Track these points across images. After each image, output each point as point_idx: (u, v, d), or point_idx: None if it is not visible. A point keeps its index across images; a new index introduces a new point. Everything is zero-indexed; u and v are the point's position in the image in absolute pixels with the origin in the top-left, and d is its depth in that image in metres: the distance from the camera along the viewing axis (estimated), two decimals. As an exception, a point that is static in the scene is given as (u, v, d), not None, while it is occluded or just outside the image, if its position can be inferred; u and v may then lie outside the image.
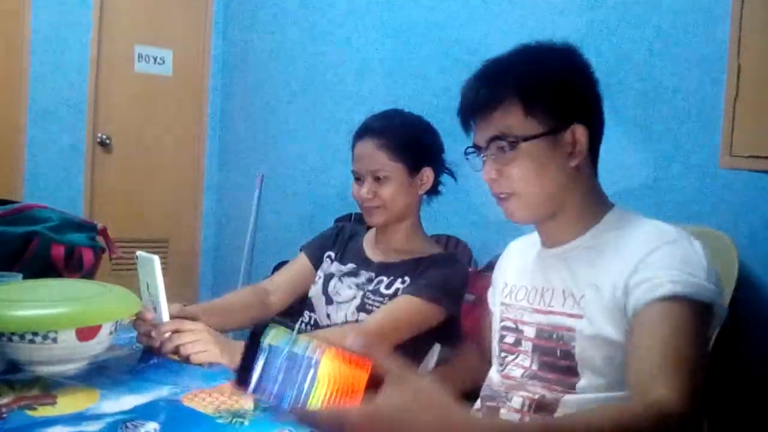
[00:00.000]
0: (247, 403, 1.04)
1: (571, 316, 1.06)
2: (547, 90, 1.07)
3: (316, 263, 1.69)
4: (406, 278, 1.52)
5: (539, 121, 1.06)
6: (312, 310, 1.64)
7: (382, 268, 1.58)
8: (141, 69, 4.31)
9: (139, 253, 1.31)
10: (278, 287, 1.68)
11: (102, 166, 4.21)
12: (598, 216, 1.11)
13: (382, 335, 1.39)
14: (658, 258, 0.98)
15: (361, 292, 1.56)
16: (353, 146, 1.60)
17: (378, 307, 1.49)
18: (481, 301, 1.42)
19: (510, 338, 1.18)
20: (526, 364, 1.12)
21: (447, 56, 2.75)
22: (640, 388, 0.88)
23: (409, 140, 1.56)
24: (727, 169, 1.52)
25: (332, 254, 1.68)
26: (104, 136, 4.19)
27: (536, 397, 1.08)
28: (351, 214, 2.67)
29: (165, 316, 1.26)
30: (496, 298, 1.28)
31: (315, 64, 3.65)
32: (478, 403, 1.21)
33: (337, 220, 2.26)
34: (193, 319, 1.30)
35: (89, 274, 1.71)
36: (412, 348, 1.54)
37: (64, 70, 3.99)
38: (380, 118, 1.59)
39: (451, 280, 1.50)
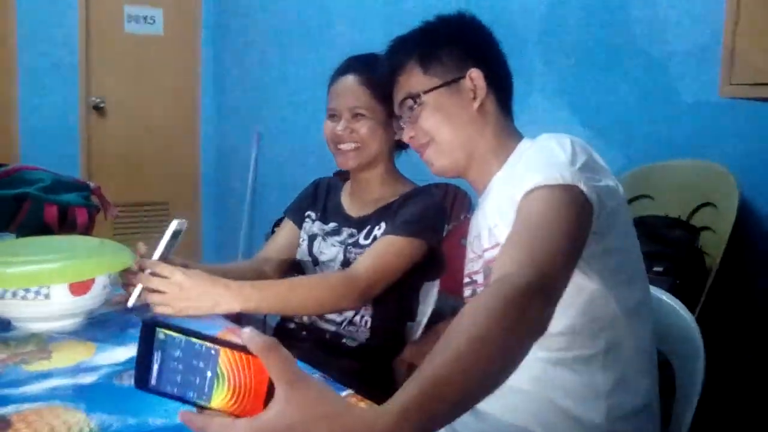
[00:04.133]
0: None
1: (492, 248, 1.12)
2: (438, 46, 1.18)
3: (299, 223, 1.68)
4: (382, 224, 1.51)
5: (437, 75, 1.17)
6: (301, 272, 1.62)
7: (361, 222, 1.56)
8: (131, 29, 4.23)
9: (176, 219, 1.28)
10: (268, 257, 1.66)
11: (97, 130, 4.17)
12: (509, 151, 1.18)
13: (370, 279, 1.38)
14: (525, 163, 1.06)
15: (342, 248, 1.54)
16: (331, 83, 1.57)
17: None
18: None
19: (467, 292, 1.23)
20: None
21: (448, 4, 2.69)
22: (496, 268, 0.88)
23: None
24: (728, 99, 1.49)
25: (312, 214, 1.66)
26: (98, 99, 4.14)
27: None
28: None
29: (156, 256, 1.24)
30: None
31: (309, 16, 3.58)
32: None
33: (335, 174, 2.23)
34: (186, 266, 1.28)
35: (84, 234, 1.70)
36: (404, 291, 1.53)
37: (53, 34, 3.93)
38: (363, 57, 1.55)
39: (427, 212, 1.49)
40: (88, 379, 0.93)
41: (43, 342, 1.06)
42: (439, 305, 1.66)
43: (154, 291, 1.19)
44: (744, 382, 1.71)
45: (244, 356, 0.62)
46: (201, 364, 0.63)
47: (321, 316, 1.54)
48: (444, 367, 0.67)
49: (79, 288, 1.10)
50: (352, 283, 1.37)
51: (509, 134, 1.21)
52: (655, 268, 1.68)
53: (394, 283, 1.44)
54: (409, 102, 1.19)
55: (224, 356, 0.62)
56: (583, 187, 0.94)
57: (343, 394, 0.91)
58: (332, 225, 1.61)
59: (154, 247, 1.26)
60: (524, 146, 1.17)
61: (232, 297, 1.23)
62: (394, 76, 1.24)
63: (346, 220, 1.60)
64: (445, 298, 1.69)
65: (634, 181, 1.94)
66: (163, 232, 1.25)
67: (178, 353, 0.63)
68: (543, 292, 0.79)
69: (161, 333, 0.63)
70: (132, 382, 0.66)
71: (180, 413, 0.64)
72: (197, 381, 0.63)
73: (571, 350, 1.04)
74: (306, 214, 1.67)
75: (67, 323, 1.13)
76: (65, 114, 4.02)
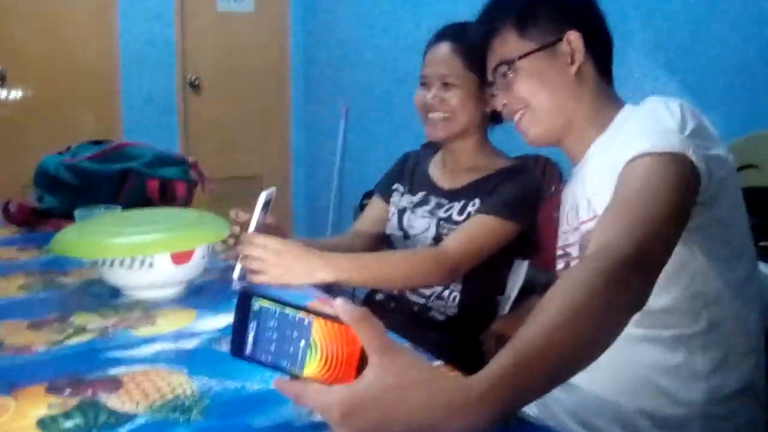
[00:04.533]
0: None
1: (591, 219, 1.08)
2: (536, 7, 1.13)
3: (387, 198, 1.67)
4: (476, 200, 1.49)
5: (533, 39, 1.12)
6: (392, 246, 1.63)
7: (452, 194, 1.54)
8: (223, 7, 4.34)
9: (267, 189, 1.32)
10: (360, 233, 1.66)
11: (193, 107, 4.32)
12: (609, 118, 1.12)
13: (461, 257, 1.37)
14: (631, 131, 0.99)
15: (434, 220, 1.53)
16: (426, 51, 1.54)
17: None
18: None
19: (560, 264, 1.19)
20: None
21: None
22: (593, 239, 0.85)
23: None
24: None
25: (400, 187, 1.65)
26: (193, 78, 4.29)
27: None
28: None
29: (251, 228, 1.27)
30: None
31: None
32: None
33: (424, 145, 2.22)
34: (284, 235, 1.31)
35: (183, 206, 1.78)
36: (494, 268, 1.51)
37: (150, 16, 4.08)
38: (459, 25, 1.52)
39: (524, 194, 1.46)
40: (189, 344, 0.97)
41: (148, 309, 1.12)
42: (529, 279, 1.64)
43: (251, 259, 1.23)
44: None
45: (336, 326, 0.64)
46: (295, 334, 0.65)
47: (410, 290, 1.55)
48: (536, 340, 0.66)
49: (180, 258, 1.15)
50: (441, 259, 1.36)
51: (609, 100, 1.15)
52: (762, 243, 1.59)
53: (484, 261, 1.42)
54: (503, 68, 1.14)
55: (317, 326, 0.64)
56: (691, 155, 0.90)
57: (434, 364, 0.91)
58: (420, 195, 1.60)
59: (248, 217, 1.29)
60: (627, 112, 1.11)
61: (325, 266, 1.25)
62: (487, 41, 1.18)
63: (434, 190, 1.59)
64: (535, 273, 1.66)
65: (737, 150, 1.83)
66: (254, 204, 1.28)
67: (272, 323, 0.65)
68: (642, 265, 0.76)
69: (257, 303, 0.66)
70: (229, 348, 0.69)
71: (275, 381, 0.67)
72: (291, 350, 0.65)
73: (671, 329, 1.00)
74: (394, 187, 1.67)
75: (170, 291, 1.19)
76: (163, 91, 4.18)
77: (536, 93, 1.12)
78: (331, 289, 1.35)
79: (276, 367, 0.66)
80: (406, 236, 1.59)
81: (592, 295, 0.71)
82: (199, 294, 1.21)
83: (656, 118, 0.97)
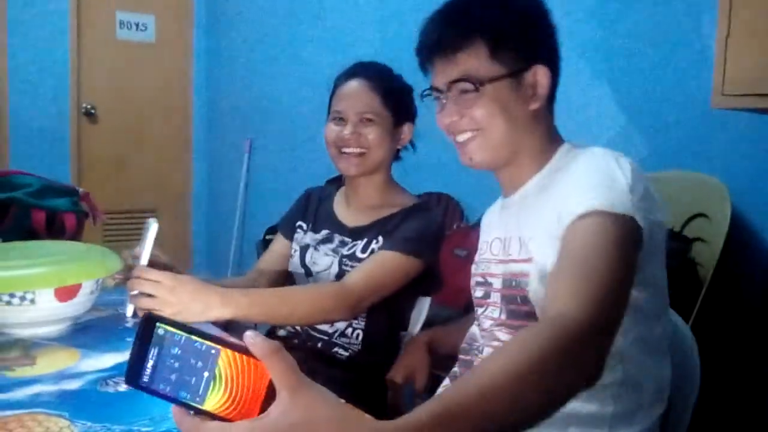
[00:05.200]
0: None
1: (524, 261, 1.05)
2: (513, 31, 1.05)
3: (290, 236, 1.65)
4: (380, 238, 1.49)
5: (503, 63, 1.05)
6: (295, 284, 1.60)
7: (356, 232, 1.54)
8: (123, 36, 4.22)
9: (149, 219, 1.27)
10: (263, 271, 1.63)
11: (87, 136, 4.15)
12: (550, 155, 1.10)
13: (363, 293, 1.36)
14: (578, 180, 0.97)
15: (337, 258, 1.52)
16: (337, 86, 1.54)
17: None
18: (473, 256, 1.40)
19: (479, 292, 1.18)
20: (496, 315, 1.11)
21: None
22: (546, 304, 0.84)
23: (398, 90, 1.52)
24: (720, 109, 1.49)
25: (303, 224, 1.64)
26: (89, 106, 4.12)
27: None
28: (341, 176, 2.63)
29: (143, 262, 1.21)
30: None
31: (303, 23, 3.57)
32: (456, 368, 1.21)
33: (327, 182, 2.22)
34: (178, 272, 1.26)
35: (73, 240, 1.68)
36: (397, 304, 1.52)
37: (44, 39, 3.91)
38: (370, 64, 1.54)
39: (426, 230, 1.47)
40: (72, 385, 0.90)
41: (28, 348, 1.04)
42: (431, 315, 1.65)
43: (144, 296, 1.17)
44: (738, 392, 1.70)
45: (245, 359, 0.60)
46: (199, 364, 0.60)
47: (312, 327, 1.52)
48: (469, 396, 0.64)
49: (65, 293, 1.08)
50: (343, 295, 1.34)
51: (553, 136, 1.12)
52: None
53: (387, 298, 1.42)
54: (466, 84, 1.05)
55: (224, 357, 0.60)
56: (640, 220, 0.90)
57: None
58: (324, 233, 1.59)
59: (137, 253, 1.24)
60: (566, 151, 1.09)
61: (222, 303, 1.21)
62: (450, 45, 1.07)
63: (338, 227, 1.58)
64: (437, 309, 1.67)
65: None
66: (142, 236, 1.23)
67: (176, 350, 0.60)
68: (597, 336, 0.75)
69: (161, 328, 0.60)
70: (117, 388, 0.64)
71: (174, 408, 0.61)
72: (193, 381, 0.60)
73: None
74: (297, 224, 1.65)
75: (53, 329, 1.11)
76: (56, 119, 4.00)
77: (494, 120, 1.06)
78: (229, 326, 1.30)
79: (174, 399, 0.60)
80: (309, 273, 1.56)
81: (541, 362, 0.68)
82: (85, 332, 1.14)
83: (607, 174, 0.95)
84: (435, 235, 1.49)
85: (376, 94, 1.48)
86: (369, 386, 1.49)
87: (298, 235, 1.63)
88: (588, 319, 0.75)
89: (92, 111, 4.13)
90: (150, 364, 0.60)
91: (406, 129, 1.53)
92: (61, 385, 0.90)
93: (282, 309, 1.31)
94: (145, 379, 0.60)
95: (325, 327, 1.51)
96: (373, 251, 1.48)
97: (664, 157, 1.98)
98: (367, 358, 1.51)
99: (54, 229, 1.66)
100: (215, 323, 1.21)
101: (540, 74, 1.05)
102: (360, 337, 1.50)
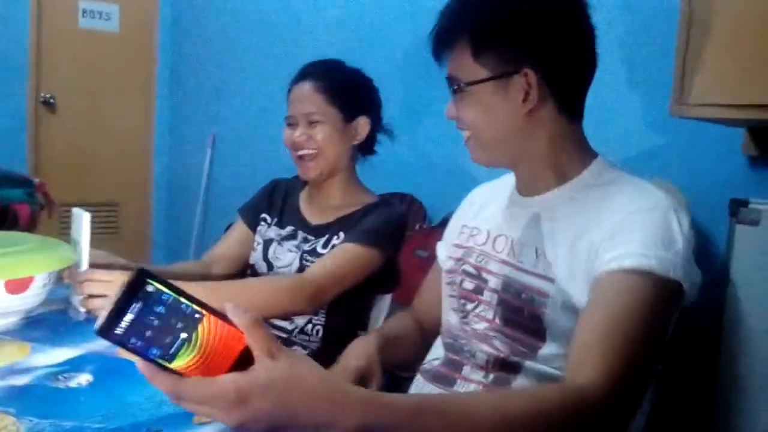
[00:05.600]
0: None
1: (542, 278, 0.99)
2: (498, 35, 1.00)
3: (253, 226, 1.65)
4: (341, 233, 1.50)
5: (486, 65, 1.01)
6: (255, 275, 1.59)
7: (318, 230, 1.55)
8: (86, 25, 4.13)
9: (74, 209, 1.25)
10: (218, 257, 1.62)
11: (47, 127, 4.05)
12: (577, 167, 1.04)
13: (322, 284, 1.36)
14: (633, 224, 0.92)
15: (299, 254, 1.52)
16: (289, 91, 1.56)
17: None
18: (435, 258, 1.40)
19: (469, 284, 1.11)
20: (489, 316, 1.07)
21: (411, 15, 2.69)
22: (571, 364, 0.84)
23: (345, 86, 1.53)
24: (677, 118, 1.52)
25: (267, 217, 1.63)
26: (48, 96, 4.02)
27: (501, 355, 1.03)
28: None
29: (84, 266, 1.19)
30: (447, 245, 1.24)
31: (269, 18, 3.55)
32: (440, 351, 1.16)
33: (295, 176, 2.20)
34: (125, 268, 1.24)
35: (26, 232, 1.64)
36: (357, 300, 1.52)
37: (3, 27, 3.81)
38: (319, 63, 1.56)
39: (387, 224, 1.48)
40: (20, 381, 0.88)
41: (-25, 341, 1.01)
42: (391, 314, 1.65)
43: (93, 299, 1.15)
44: (686, 400, 1.74)
45: (225, 326, 0.62)
46: (179, 324, 0.61)
47: (271, 322, 1.51)
48: (450, 409, 0.67)
49: (16, 286, 1.05)
50: (302, 286, 1.34)
51: (579, 147, 1.06)
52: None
53: (347, 294, 1.42)
54: (453, 84, 1.04)
55: (205, 322, 0.62)
56: (686, 288, 0.88)
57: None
58: (289, 229, 1.58)
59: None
60: (601, 168, 1.04)
61: None
62: (441, 44, 1.05)
63: (303, 225, 1.57)
64: (397, 308, 1.68)
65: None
66: (74, 230, 1.20)
67: (159, 308, 0.60)
68: (622, 418, 0.76)
69: (151, 285, 0.60)
70: (68, 384, 0.62)
71: (142, 364, 0.61)
72: (168, 340, 0.60)
73: None
74: (261, 216, 1.64)
75: (3, 322, 1.08)
76: (13, 109, 3.89)
77: (480, 123, 1.03)
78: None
79: (142, 355, 0.60)
80: (270, 268, 1.56)
81: (548, 422, 0.70)
82: (36, 326, 1.11)
83: (666, 232, 0.91)
84: (395, 228, 1.50)
85: (320, 94, 1.50)
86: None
87: (262, 228, 1.62)
88: (607, 401, 0.75)
89: (51, 101, 4.03)
90: (128, 317, 0.59)
91: (362, 122, 1.54)
92: (8, 380, 0.88)
93: (239, 300, 1.29)
94: (118, 331, 0.59)
95: (284, 323, 1.50)
96: (333, 246, 1.48)
97: (623, 164, 2.02)
98: (326, 355, 1.50)
99: (7, 221, 1.62)
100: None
101: (530, 77, 0.99)
102: (320, 334, 1.50)
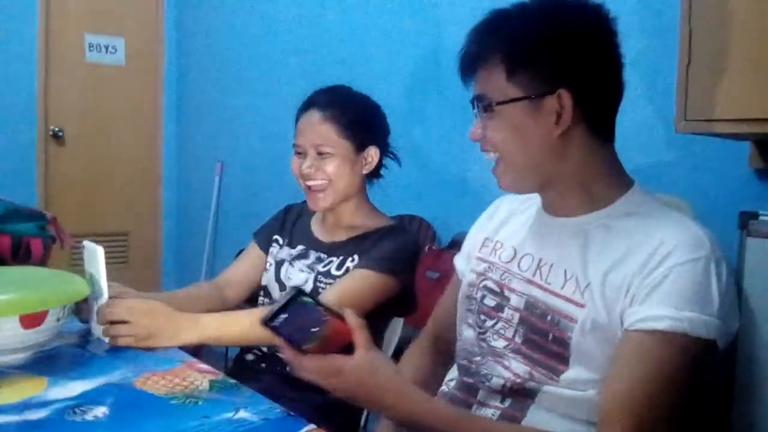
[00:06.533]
0: (201, 383, 1.01)
1: (572, 302, 0.98)
2: (535, 55, 0.98)
3: (266, 248, 1.65)
4: (355, 256, 1.49)
5: (519, 85, 0.98)
6: (268, 296, 1.60)
7: (332, 248, 1.54)
8: (92, 59, 4.18)
9: (85, 242, 1.26)
10: (232, 280, 1.62)
11: (56, 160, 4.09)
12: (611, 192, 1.02)
13: None
14: (673, 282, 0.90)
15: (312, 274, 1.52)
16: (297, 118, 1.54)
17: None
18: (446, 279, 1.40)
19: (491, 301, 1.10)
20: (509, 335, 1.06)
21: (416, 34, 2.72)
22: (601, 414, 0.91)
23: (356, 117, 1.51)
24: (683, 134, 1.52)
25: (279, 239, 1.63)
26: (57, 129, 4.06)
27: (517, 380, 1.02)
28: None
29: (104, 297, 1.21)
30: (468, 257, 1.21)
31: (273, 49, 3.58)
32: (454, 371, 1.16)
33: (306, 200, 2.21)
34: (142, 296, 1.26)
35: (39, 265, 1.65)
36: (371, 325, 1.51)
37: (11, 61, 3.86)
38: (327, 91, 1.54)
39: (402, 250, 1.47)
40: (37, 415, 0.88)
41: (-9, 377, 1.02)
42: (404, 337, 1.64)
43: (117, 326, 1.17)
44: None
45: (342, 325, 0.95)
46: (314, 323, 0.92)
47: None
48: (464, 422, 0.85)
49: (30, 320, 1.06)
50: None
51: (614, 173, 1.04)
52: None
53: (361, 318, 1.42)
54: (483, 103, 1.01)
55: (330, 323, 0.94)
56: (721, 345, 0.91)
57: (305, 429, 0.89)
58: (300, 248, 1.59)
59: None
60: (641, 196, 1.03)
61: (190, 328, 1.20)
62: (472, 62, 1.03)
63: (315, 244, 1.57)
64: (410, 331, 1.67)
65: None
66: (88, 263, 1.23)
67: (304, 312, 0.92)
68: None
69: (303, 297, 0.93)
70: (84, 417, 0.64)
71: (283, 344, 0.92)
72: (304, 331, 0.91)
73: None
74: (274, 238, 1.65)
75: (18, 357, 1.09)
76: (23, 142, 3.93)
77: (509, 145, 1.00)
78: (200, 351, 1.29)
79: (287, 339, 0.91)
80: (283, 288, 1.56)
81: None
82: (51, 360, 1.11)
83: (703, 289, 0.90)
84: (411, 255, 1.50)
85: (331, 125, 1.48)
86: (340, 409, 1.48)
87: (274, 249, 1.63)
88: None
89: (60, 134, 4.08)
90: (284, 316, 0.90)
91: (372, 152, 1.53)
92: (24, 414, 0.88)
93: (254, 329, 1.30)
94: (276, 323, 0.89)
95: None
96: (348, 269, 1.48)
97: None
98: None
99: (20, 255, 1.63)
100: (184, 348, 1.20)
101: (564, 99, 0.97)
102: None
